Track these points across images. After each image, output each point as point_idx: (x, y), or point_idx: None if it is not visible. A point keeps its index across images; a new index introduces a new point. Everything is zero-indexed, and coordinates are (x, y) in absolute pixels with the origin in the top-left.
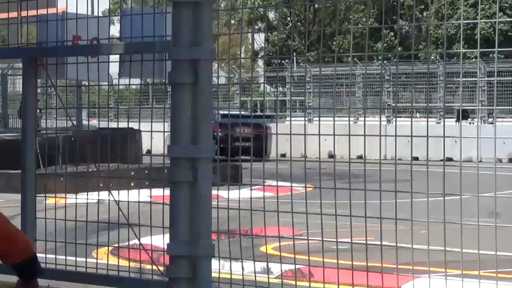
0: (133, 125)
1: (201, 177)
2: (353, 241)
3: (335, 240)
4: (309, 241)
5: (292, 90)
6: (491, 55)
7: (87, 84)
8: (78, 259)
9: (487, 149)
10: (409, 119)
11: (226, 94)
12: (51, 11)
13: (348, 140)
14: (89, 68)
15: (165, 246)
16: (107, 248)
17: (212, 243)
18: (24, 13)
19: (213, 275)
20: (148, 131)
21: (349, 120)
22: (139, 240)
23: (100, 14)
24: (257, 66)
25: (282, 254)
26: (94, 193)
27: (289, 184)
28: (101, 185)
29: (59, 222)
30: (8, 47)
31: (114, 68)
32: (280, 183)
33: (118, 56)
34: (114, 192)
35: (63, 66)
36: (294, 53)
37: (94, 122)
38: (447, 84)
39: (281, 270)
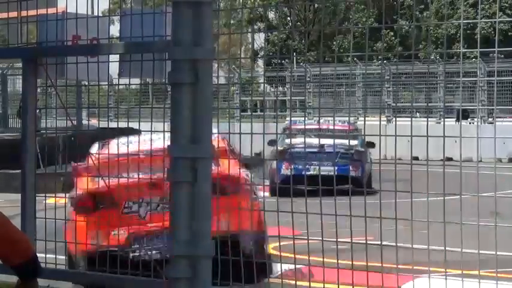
0: (133, 125)
1: (201, 177)
2: (353, 241)
3: (335, 240)
4: (309, 241)
5: (292, 90)
6: (491, 55)
7: (87, 84)
8: None
9: (487, 149)
10: (409, 119)
11: (226, 94)
12: (51, 11)
13: (348, 140)
14: (89, 68)
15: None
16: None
17: (212, 243)
18: (24, 13)
19: None
20: (149, 131)
21: (349, 120)
22: (139, 239)
23: (100, 14)
24: (257, 66)
25: (282, 254)
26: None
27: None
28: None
29: (59, 222)
30: (8, 47)
31: (114, 68)
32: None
33: (118, 56)
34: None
35: (63, 66)
36: (294, 53)
37: (94, 122)
38: (447, 84)
39: (281, 270)
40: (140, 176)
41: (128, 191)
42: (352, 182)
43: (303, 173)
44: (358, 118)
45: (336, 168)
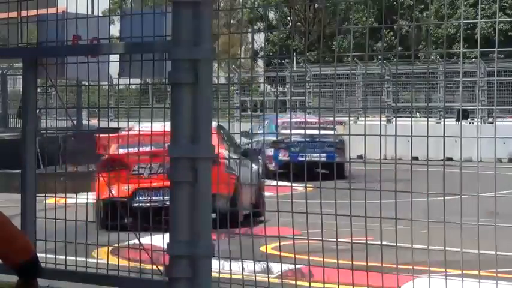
0: (133, 125)
1: (201, 177)
2: (353, 241)
3: (335, 240)
4: (309, 241)
5: (292, 90)
6: (491, 55)
7: (87, 84)
8: (78, 259)
9: (487, 149)
10: (409, 119)
11: (226, 94)
12: (51, 11)
13: (348, 140)
14: (89, 68)
15: (165, 246)
16: (107, 248)
17: (212, 243)
18: (24, 13)
19: (213, 275)
20: (149, 131)
21: (349, 120)
22: (139, 240)
23: (100, 14)
24: (257, 66)
25: (282, 254)
26: (94, 193)
27: (289, 184)
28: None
29: (59, 222)
30: (8, 47)
31: (114, 68)
32: (280, 183)
33: (118, 56)
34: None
35: (63, 66)
36: (294, 53)
37: (94, 122)
38: (447, 84)
39: (281, 270)
40: (145, 149)
41: (136, 158)
42: (337, 166)
43: (298, 158)
44: (358, 118)
45: (325, 155)
